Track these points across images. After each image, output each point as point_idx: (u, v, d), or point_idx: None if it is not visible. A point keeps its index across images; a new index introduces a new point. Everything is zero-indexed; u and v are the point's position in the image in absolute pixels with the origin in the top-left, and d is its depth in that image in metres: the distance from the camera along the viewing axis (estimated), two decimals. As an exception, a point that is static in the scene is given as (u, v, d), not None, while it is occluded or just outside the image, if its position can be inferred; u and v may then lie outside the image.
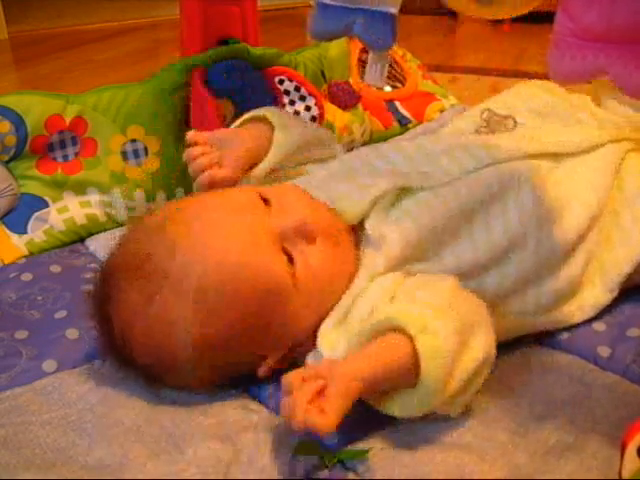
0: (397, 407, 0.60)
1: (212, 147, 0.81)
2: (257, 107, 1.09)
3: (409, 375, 0.58)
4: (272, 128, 0.85)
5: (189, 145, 0.81)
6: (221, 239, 0.64)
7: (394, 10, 0.80)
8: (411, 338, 0.58)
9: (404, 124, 1.28)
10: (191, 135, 0.81)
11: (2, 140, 0.92)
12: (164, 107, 1.02)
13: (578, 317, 0.77)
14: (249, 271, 0.63)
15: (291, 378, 0.57)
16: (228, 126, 1.07)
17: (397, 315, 0.60)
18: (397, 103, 1.29)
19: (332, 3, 0.82)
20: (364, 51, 1.32)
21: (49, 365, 0.73)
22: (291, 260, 0.66)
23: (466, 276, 0.70)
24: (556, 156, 0.80)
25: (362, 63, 1.31)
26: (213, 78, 1.04)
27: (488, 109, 0.95)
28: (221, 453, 0.60)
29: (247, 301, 0.64)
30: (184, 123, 1.04)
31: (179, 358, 0.65)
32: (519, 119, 0.90)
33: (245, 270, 0.63)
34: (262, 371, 0.68)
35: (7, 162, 0.94)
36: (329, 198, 0.73)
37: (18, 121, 0.92)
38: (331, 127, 1.16)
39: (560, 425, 0.62)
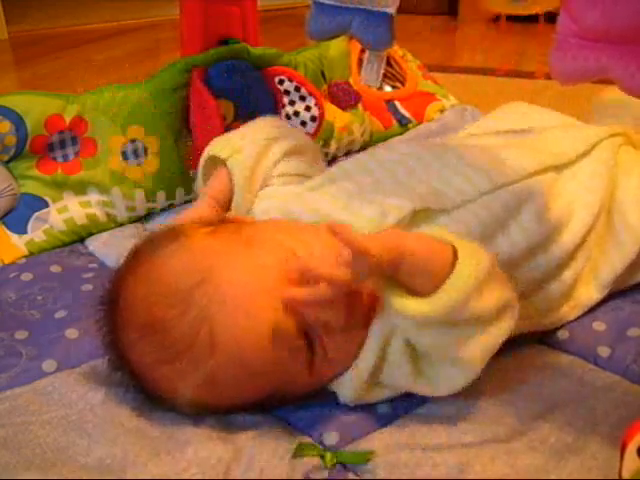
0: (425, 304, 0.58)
1: None
2: (257, 107, 1.10)
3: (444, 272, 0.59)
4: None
5: None
6: (245, 325, 0.60)
7: (391, 10, 0.80)
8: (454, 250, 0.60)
9: (404, 124, 1.28)
10: None
11: (2, 140, 0.91)
12: (164, 107, 1.02)
13: (573, 315, 0.77)
14: (268, 365, 0.61)
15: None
16: (229, 127, 1.07)
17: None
18: (397, 103, 1.29)
19: (329, 3, 0.82)
20: (364, 51, 1.32)
21: (49, 365, 0.72)
22: (310, 346, 0.62)
23: None
24: (557, 167, 0.80)
25: (362, 63, 1.31)
26: (213, 78, 1.04)
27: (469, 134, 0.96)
28: (221, 453, 0.60)
29: (260, 386, 0.63)
30: (184, 123, 1.04)
31: (179, 406, 0.64)
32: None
33: (264, 364, 0.61)
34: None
35: (7, 162, 0.93)
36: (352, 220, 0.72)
37: (18, 121, 0.92)
38: (331, 127, 1.17)
39: (560, 425, 0.62)
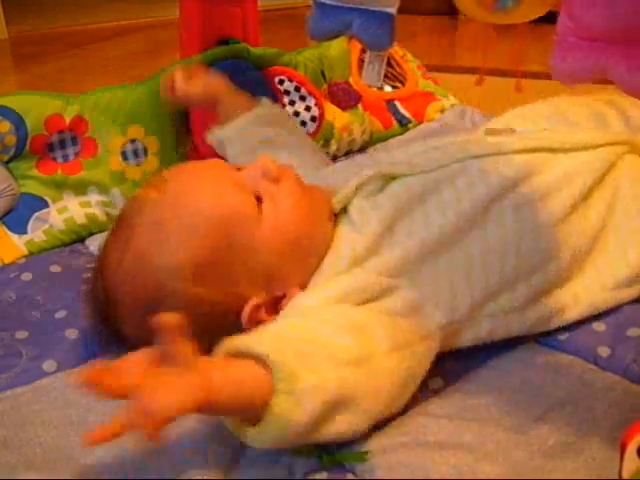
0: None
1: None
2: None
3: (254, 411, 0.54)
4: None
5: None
6: (194, 187, 0.69)
7: (392, 10, 0.80)
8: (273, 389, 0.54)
9: (404, 124, 1.28)
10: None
11: (2, 140, 0.92)
12: (164, 107, 1.02)
13: (573, 313, 0.76)
14: (218, 207, 0.68)
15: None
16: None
17: (276, 357, 0.54)
18: (397, 103, 1.29)
19: (330, 3, 0.82)
20: (364, 51, 1.32)
21: (49, 365, 0.73)
22: (258, 199, 0.70)
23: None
24: (551, 151, 0.80)
25: (362, 63, 1.31)
26: (213, 78, 1.04)
27: (486, 128, 0.96)
28: (221, 453, 0.60)
29: (215, 230, 0.67)
30: (184, 123, 1.04)
31: (165, 294, 0.66)
32: (519, 129, 0.90)
33: (215, 206, 0.68)
34: (246, 313, 0.67)
35: (7, 162, 0.94)
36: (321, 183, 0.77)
37: (18, 121, 0.92)
38: (331, 127, 1.17)
39: (560, 425, 0.62)
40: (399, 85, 1.30)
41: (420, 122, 1.30)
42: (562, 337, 0.76)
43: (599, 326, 0.76)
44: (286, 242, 0.69)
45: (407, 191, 0.75)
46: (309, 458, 0.60)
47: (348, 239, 0.72)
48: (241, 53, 1.07)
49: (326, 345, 0.59)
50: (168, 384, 0.49)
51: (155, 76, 1.03)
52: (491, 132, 0.92)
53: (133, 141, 1.00)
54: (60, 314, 0.80)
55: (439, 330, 0.68)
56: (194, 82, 0.92)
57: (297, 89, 1.11)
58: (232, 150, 0.90)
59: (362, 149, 1.24)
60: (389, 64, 1.29)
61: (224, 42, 1.08)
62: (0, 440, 0.62)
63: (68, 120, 0.96)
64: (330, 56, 1.20)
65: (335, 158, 1.20)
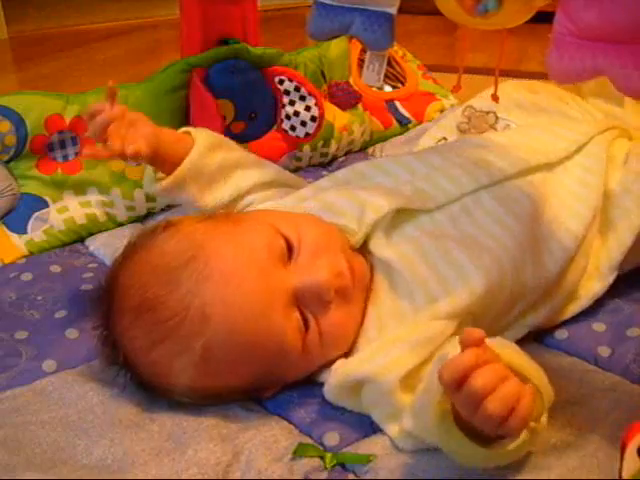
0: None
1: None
2: (257, 107, 1.10)
3: None
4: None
5: (91, 116, 0.77)
6: (236, 297, 0.61)
7: (392, 10, 0.80)
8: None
9: (404, 124, 1.28)
10: (91, 106, 0.78)
11: (2, 140, 0.92)
12: (164, 107, 1.02)
13: (574, 308, 0.77)
14: (260, 336, 0.62)
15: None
16: (229, 127, 1.07)
17: None
18: (397, 103, 1.29)
19: (330, 3, 0.82)
20: (365, 51, 1.32)
21: (49, 365, 0.73)
22: (305, 322, 0.64)
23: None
24: (548, 165, 0.80)
25: (362, 63, 1.31)
26: (213, 78, 1.04)
27: (470, 106, 0.95)
28: (220, 454, 0.60)
29: (253, 362, 0.64)
30: (184, 123, 1.04)
31: (176, 392, 0.65)
32: (502, 115, 0.90)
33: (256, 334, 0.62)
34: (261, 396, 0.68)
35: (7, 162, 0.94)
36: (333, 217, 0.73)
37: (18, 121, 0.92)
38: (331, 127, 1.16)
39: (560, 425, 0.62)
40: (399, 85, 1.30)
41: (420, 122, 1.29)
42: (562, 337, 0.76)
43: (599, 326, 0.76)
44: (325, 360, 0.67)
45: (424, 232, 0.72)
46: (311, 458, 0.60)
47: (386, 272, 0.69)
48: (241, 53, 1.07)
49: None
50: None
51: (155, 76, 1.03)
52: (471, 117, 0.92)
53: (133, 141, 0.99)
54: (60, 314, 0.80)
55: None
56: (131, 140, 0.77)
57: (297, 89, 1.11)
58: (196, 187, 0.81)
59: (362, 149, 1.24)
60: (389, 64, 1.28)
61: (224, 42, 1.08)
62: (0, 440, 0.62)
63: (68, 120, 0.96)
64: (330, 56, 1.20)
65: (335, 158, 1.21)
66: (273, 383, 0.67)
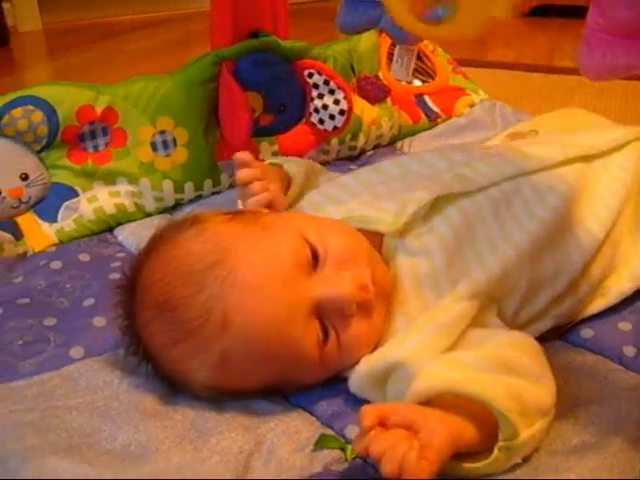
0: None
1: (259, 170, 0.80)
2: (286, 99, 1.11)
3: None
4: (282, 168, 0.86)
5: (240, 166, 0.80)
6: (258, 305, 0.62)
7: (423, 4, 0.80)
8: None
9: (433, 118, 1.28)
10: (241, 156, 0.80)
11: (34, 130, 0.93)
12: (194, 99, 1.02)
13: (601, 304, 0.77)
14: (280, 344, 0.62)
15: (371, 415, 0.54)
16: (257, 119, 1.08)
17: (498, 405, 0.56)
18: (426, 97, 1.29)
19: (360, -3, 0.82)
20: (395, 45, 1.31)
21: (76, 352, 0.74)
22: (325, 333, 0.64)
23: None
24: (586, 158, 0.80)
25: (392, 57, 1.30)
26: (242, 71, 1.05)
27: (511, 132, 0.95)
28: (242, 443, 0.61)
29: (270, 368, 0.64)
30: (213, 115, 1.05)
31: (194, 388, 0.66)
32: (543, 132, 0.90)
33: (276, 343, 0.62)
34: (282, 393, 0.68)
35: (39, 152, 0.95)
36: (368, 212, 0.74)
37: (50, 111, 0.93)
38: (359, 121, 1.16)
39: (583, 424, 0.61)
40: (429, 79, 1.30)
41: (449, 117, 1.29)
42: (587, 336, 0.75)
43: (625, 326, 0.76)
44: (342, 367, 0.67)
45: (464, 216, 0.72)
46: (332, 449, 0.61)
47: (409, 268, 0.70)
48: (270, 46, 1.07)
49: (520, 370, 0.60)
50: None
51: (186, 68, 1.03)
52: (514, 136, 0.92)
53: (163, 132, 1.00)
54: (88, 302, 0.81)
55: None
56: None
57: (326, 82, 1.11)
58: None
59: (390, 143, 1.24)
60: (419, 58, 1.28)
61: (254, 35, 1.08)
62: (27, 424, 0.63)
63: (99, 111, 0.97)
64: (359, 50, 1.20)
65: (363, 152, 1.21)
66: (291, 386, 0.67)
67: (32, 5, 2.42)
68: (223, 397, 0.66)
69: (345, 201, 0.79)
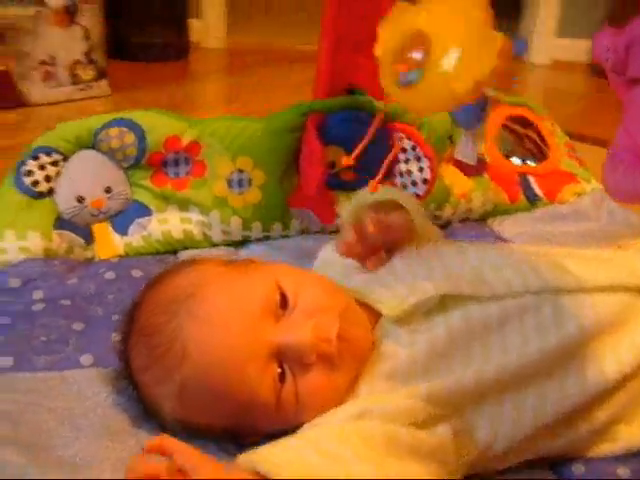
0: None
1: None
2: (371, 159, 1.12)
3: None
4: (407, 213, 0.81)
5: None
6: (216, 340, 0.64)
7: (487, 90, 0.78)
8: None
9: (532, 201, 1.23)
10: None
11: (124, 150, 1.02)
12: (277, 145, 1.06)
13: (605, 450, 0.71)
14: (234, 382, 0.64)
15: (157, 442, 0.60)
16: (337, 174, 1.10)
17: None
18: (531, 178, 1.24)
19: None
20: (516, 120, 1.28)
21: (86, 359, 0.80)
22: (282, 377, 0.66)
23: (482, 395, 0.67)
24: (613, 288, 0.73)
25: (511, 131, 1.28)
26: (331, 125, 1.08)
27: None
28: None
29: (226, 405, 0.66)
30: (294, 163, 1.08)
31: (161, 417, 0.70)
32: None
33: (231, 379, 0.64)
34: (241, 442, 0.69)
35: (126, 169, 1.04)
36: (373, 286, 0.74)
37: (141, 136, 1.02)
38: (447, 191, 1.15)
39: None
40: (535, 160, 1.25)
41: (551, 202, 1.23)
42: (579, 471, 0.70)
43: (623, 471, 0.69)
44: (300, 420, 0.67)
45: (467, 323, 0.69)
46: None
47: (391, 354, 0.69)
48: (364, 105, 1.09)
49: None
50: None
51: (277, 114, 1.08)
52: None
53: (241, 171, 1.05)
54: (116, 316, 0.86)
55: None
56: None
57: (413, 148, 1.11)
58: None
59: (482, 219, 1.21)
60: (529, 137, 1.24)
61: (351, 91, 1.11)
62: (5, 414, 0.70)
63: (185, 142, 1.04)
64: (462, 121, 1.18)
65: (449, 223, 1.19)
66: (249, 431, 0.69)
67: (221, 26, 2.61)
68: (186, 431, 0.69)
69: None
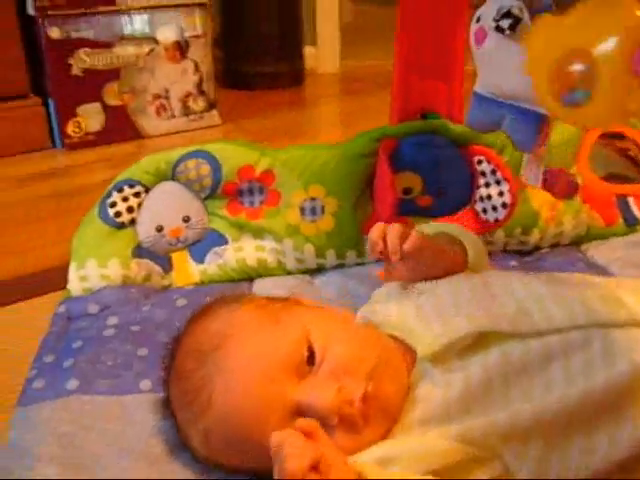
0: None
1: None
2: (448, 184, 1.09)
3: None
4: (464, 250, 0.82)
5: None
6: (238, 394, 0.65)
7: (544, 109, 0.74)
8: None
9: (631, 224, 1.14)
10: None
11: (201, 181, 1.06)
12: (351, 172, 1.06)
13: None
14: (255, 435, 0.64)
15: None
16: (414, 199, 1.08)
17: None
18: (630, 200, 1.15)
19: (486, 95, 0.79)
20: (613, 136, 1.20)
21: (145, 384, 0.83)
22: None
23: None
24: None
25: (623, 153, 1.20)
26: (404, 150, 1.06)
27: None
28: None
29: (247, 455, 0.66)
30: (368, 189, 1.07)
31: (192, 450, 0.71)
32: None
33: (252, 432, 0.64)
34: None
35: (204, 199, 1.07)
36: (416, 325, 0.72)
37: (216, 166, 1.05)
38: (535, 215, 1.09)
39: None
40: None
41: (654, 225, 1.14)
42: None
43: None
44: None
45: (505, 360, 0.66)
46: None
47: (425, 396, 0.67)
48: (439, 129, 1.06)
49: None
50: None
51: (350, 141, 1.08)
52: None
53: (313, 199, 1.06)
54: (178, 344, 0.90)
55: None
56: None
57: (493, 172, 1.07)
58: None
59: (574, 243, 1.14)
60: (629, 157, 1.15)
61: (423, 116, 1.08)
62: (62, 435, 0.75)
63: (259, 172, 1.06)
64: (551, 142, 1.11)
65: (538, 248, 1.13)
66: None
67: (335, 51, 2.64)
68: (216, 468, 0.70)
69: (411, 300, 0.77)
